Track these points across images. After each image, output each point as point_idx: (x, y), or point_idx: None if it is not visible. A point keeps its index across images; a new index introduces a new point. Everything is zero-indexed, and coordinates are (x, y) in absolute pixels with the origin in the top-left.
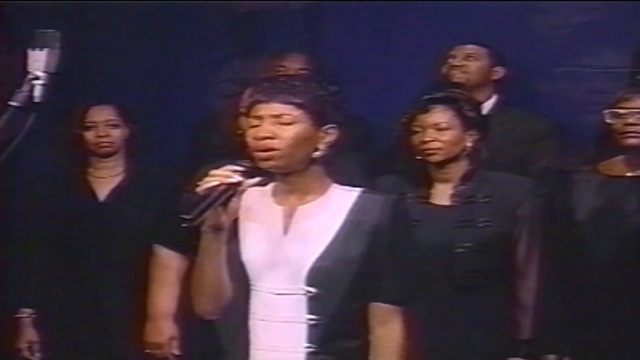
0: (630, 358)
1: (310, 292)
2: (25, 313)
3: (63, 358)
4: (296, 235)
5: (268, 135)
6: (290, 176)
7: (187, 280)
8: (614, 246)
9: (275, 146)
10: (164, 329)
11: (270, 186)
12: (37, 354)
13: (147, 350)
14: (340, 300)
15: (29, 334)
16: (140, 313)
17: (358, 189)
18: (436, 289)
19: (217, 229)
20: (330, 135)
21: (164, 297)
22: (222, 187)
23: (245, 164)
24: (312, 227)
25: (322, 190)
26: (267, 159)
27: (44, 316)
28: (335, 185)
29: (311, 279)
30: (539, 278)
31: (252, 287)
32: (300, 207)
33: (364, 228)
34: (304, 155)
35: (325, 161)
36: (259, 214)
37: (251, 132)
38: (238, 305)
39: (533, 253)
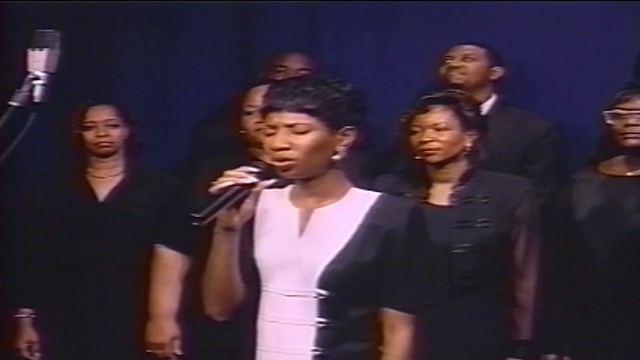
0: (630, 358)
1: (321, 294)
2: (25, 313)
3: (63, 358)
4: (311, 238)
5: (283, 146)
6: (309, 180)
7: (189, 280)
8: (614, 246)
9: (292, 156)
10: (165, 328)
11: (288, 188)
12: (37, 354)
13: (148, 351)
14: (351, 303)
15: (29, 334)
16: (142, 313)
17: (377, 193)
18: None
19: (229, 229)
20: (347, 137)
21: (166, 296)
22: (236, 188)
23: (260, 165)
24: (327, 230)
25: (341, 194)
26: (285, 169)
27: (44, 316)
28: (355, 188)
29: (323, 282)
30: (538, 278)
31: (263, 288)
32: (317, 210)
33: (380, 232)
34: (323, 161)
35: (344, 164)
36: (275, 215)
37: (267, 142)
38: (248, 306)
39: (531, 253)
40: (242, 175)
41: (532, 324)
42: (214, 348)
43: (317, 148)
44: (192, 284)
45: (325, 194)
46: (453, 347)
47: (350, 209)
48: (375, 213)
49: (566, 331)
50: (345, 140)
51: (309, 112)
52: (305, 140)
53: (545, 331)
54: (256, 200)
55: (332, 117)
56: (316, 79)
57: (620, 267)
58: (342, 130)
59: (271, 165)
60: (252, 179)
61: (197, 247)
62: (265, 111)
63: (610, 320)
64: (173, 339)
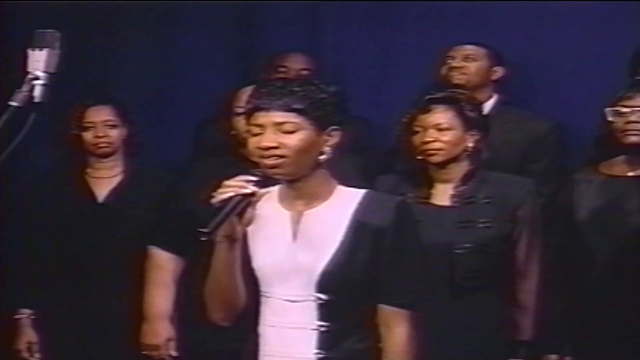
0: (630, 358)
1: (321, 298)
2: (25, 314)
3: (62, 358)
4: (306, 242)
5: (272, 145)
6: (297, 182)
7: (184, 282)
8: (614, 246)
9: (282, 154)
10: (160, 330)
11: (275, 191)
12: (37, 355)
13: (144, 352)
14: (351, 305)
15: (28, 335)
16: (139, 314)
17: (363, 190)
18: (436, 290)
19: (232, 239)
20: (333, 137)
21: (160, 298)
22: (237, 198)
23: (257, 172)
24: (319, 233)
25: (328, 194)
26: (274, 167)
27: (43, 317)
28: (341, 187)
29: (322, 286)
30: (539, 278)
31: (262, 294)
32: (306, 212)
33: (368, 230)
34: (310, 161)
35: (329, 164)
36: (267, 220)
37: (254, 141)
38: (249, 311)
39: (533, 253)
40: (242, 185)
41: (533, 324)
42: (209, 349)
43: (305, 148)
44: (187, 285)
45: (312, 195)
46: (454, 348)
47: (338, 209)
48: (362, 211)
49: (567, 331)
50: (331, 140)
51: (298, 111)
52: (294, 139)
53: (547, 331)
54: (255, 207)
55: (319, 117)
56: (301, 80)
57: (621, 267)
58: (328, 130)
59: (258, 164)
60: (252, 188)
61: (191, 248)
62: (252, 111)
63: (611, 320)
64: (168, 340)
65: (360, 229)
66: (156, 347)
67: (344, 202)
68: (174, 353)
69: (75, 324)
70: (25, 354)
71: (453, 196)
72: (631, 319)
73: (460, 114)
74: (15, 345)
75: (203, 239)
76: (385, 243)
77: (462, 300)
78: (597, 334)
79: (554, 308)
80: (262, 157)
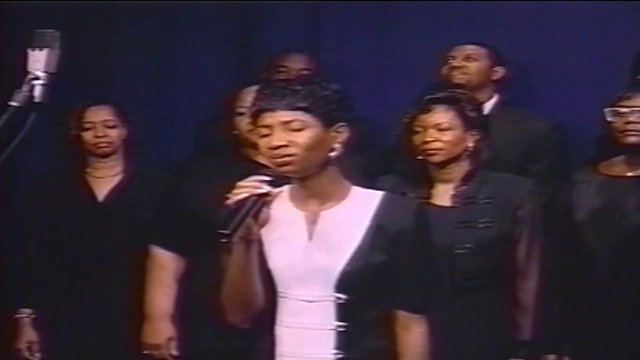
0: (630, 358)
1: (339, 298)
2: (25, 313)
3: (62, 358)
4: (322, 242)
5: (282, 143)
6: (308, 180)
7: (185, 281)
8: (614, 246)
9: (291, 153)
10: (161, 330)
11: (286, 190)
12: (37, 354)
13: (145, 352)
14: (368, 305)
15: (29, 334)
16: (141, 313)
17: (380, 193)
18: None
19: (249, 240)
20: (341, 134)
21: (161, 298)
22: (253, 198)
23: (269, 172)
24: (337, 233)
25: (343, 194)
26: (285, 165)
27: (43, 317)
28: (356, 187)
29: (340, 286)
30: (539, 279)
31: (279, 294)
32: (322, 213)
33: (388, 234)
34: (320, 158)
35: (340, 161)
36: (281, 220)
37: (263, 142)
38: (265, 312)
39: (533, 253)
40: (257, 185)
41: (533, 324)
42: (209, 349)
43: (314, 145)
44: (188, 285)
45: (325, 194)
46: (455, 348)
47: (356, 211)
48: (381, 214)
49: (567, 331)
50: (339, 137)
51: (303, 109)
52: (302, 137)
53: (547, 331)
54: (270, 207)
55: (324, 114)
56: (303, 79)
57: (621, 267)
58: (335, 127)
59: (260, 163)
60: (266, 188)
61: (192, 247)
62: (257, 113)
63: (610, 320)
64: (169, 339)
65: (380, 232)
66: (157, 347)
67: (362, 204)
68: (174, 352)
69: (75, 324)
70: (25, 354)
71: (453, 196)
72: (631, 319)
73: (461, 113)
74: (15, 345)
75: (224, 240)
76: (404, 248)
77: (462, 300)
78: (596, 334)
79: (554, 308)
80: (273, 157)
